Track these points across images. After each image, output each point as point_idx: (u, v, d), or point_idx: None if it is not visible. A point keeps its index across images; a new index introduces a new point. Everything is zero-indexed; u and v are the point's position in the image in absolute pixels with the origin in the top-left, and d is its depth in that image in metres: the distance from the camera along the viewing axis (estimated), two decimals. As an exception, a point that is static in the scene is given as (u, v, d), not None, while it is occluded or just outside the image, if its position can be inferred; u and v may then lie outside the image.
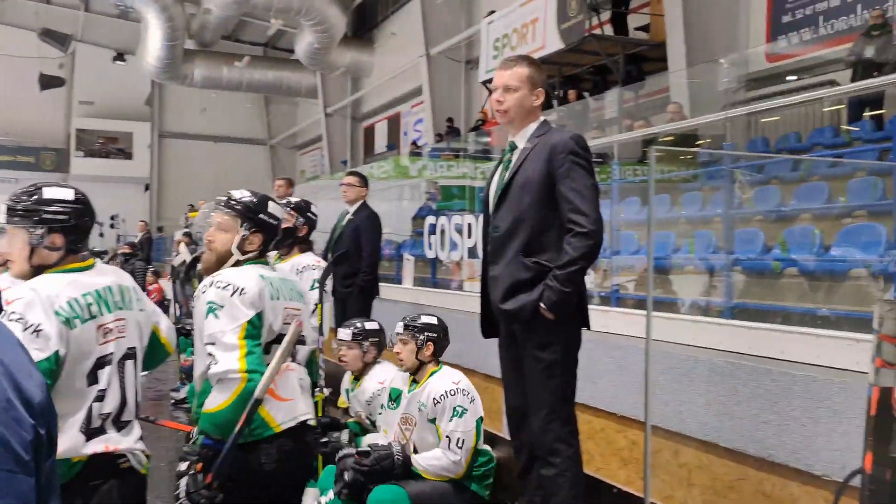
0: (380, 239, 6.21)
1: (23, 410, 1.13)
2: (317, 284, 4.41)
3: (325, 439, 4.36)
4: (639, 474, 4.00)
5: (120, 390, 2.44)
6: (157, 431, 5.76)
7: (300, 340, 2.90)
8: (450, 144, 15.60)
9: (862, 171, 6.21)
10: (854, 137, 7.99)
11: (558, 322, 3.08)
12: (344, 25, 20.92)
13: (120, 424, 2.45)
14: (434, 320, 4.01)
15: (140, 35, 21.87)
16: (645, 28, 12.94)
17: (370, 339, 4.52)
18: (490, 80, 14.48)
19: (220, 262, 2.83)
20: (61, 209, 2.39)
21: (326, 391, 4.64)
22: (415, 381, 3.97)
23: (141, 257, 15.32)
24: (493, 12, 15.36)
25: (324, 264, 4.76)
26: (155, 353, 2.76)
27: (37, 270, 2.38)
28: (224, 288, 2.67)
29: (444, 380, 3.86)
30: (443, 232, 7.07)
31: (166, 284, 13.66)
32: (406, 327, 3.95)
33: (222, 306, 2.66)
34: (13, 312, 2.22)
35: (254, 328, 2.68)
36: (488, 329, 3.41)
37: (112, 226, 26.00)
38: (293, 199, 4.99)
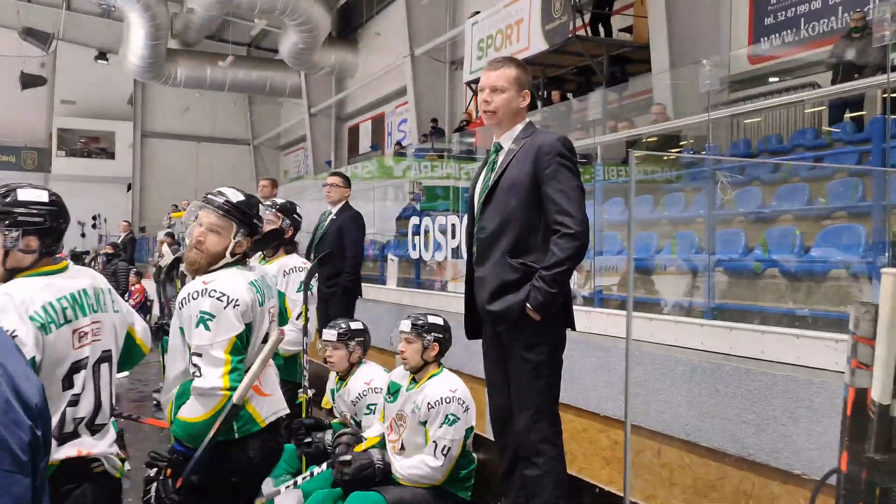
0: (363, 239, 6.21)
1: (21, 412, 1.15)
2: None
3: (308, 440, 4.37)
4: (621, 474, 4.02)
5: (94, 394, 2.42)
6: (140, 432, 5.76)
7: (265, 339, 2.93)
8: (434, 145, 15.60)
9: (842, 173, 6.27)
10: (835, 139, 8.06)
11: (545, 323, 3.10)
12: (328, 25, 20.89)
13: (94, 428, 2.43)
14: (440, 321, 3.99)
15: (122, 34, 21.72)
16: (629, 30, 13.00)
17: (356, 339, 4.53)
18: (474, 81, 14.56)
19: (211, 263, 2.83)
20: (36, 211, 2.34)
21: (310, 392, 4.66)
22: (414, 380, 3.97)
23: (124, 258, 15.23)
24: (477, 13, 15.38)
25: (310, 266, 4.77)
26: (131, 353, 2.74)
27: (10, 273, 2.34)
28: (219, 299, 2.69)
29: (442, 385, 3.84)
30: (427, 232, 7.08)
31: (149, 285, 13.59)
32: (413, 326, 3.90)
33: (214, 317, 2.67)
34: None
35: (241, 343, 2.71)
36: (472, 330, 3.42)
37: (94, 226, 25.90)
38: (278, 201, 4.99)
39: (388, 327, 7.01)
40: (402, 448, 3.91)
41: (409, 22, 19.13)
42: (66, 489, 2.31)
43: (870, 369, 2.16)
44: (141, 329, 2.79)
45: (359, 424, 4.44)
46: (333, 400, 4.69)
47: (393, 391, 4.14)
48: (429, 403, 3.78)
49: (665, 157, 7.89)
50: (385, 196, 13.00)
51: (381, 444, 4.04)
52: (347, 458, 3.84)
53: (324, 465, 4.05)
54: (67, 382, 2.33)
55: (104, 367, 2.47)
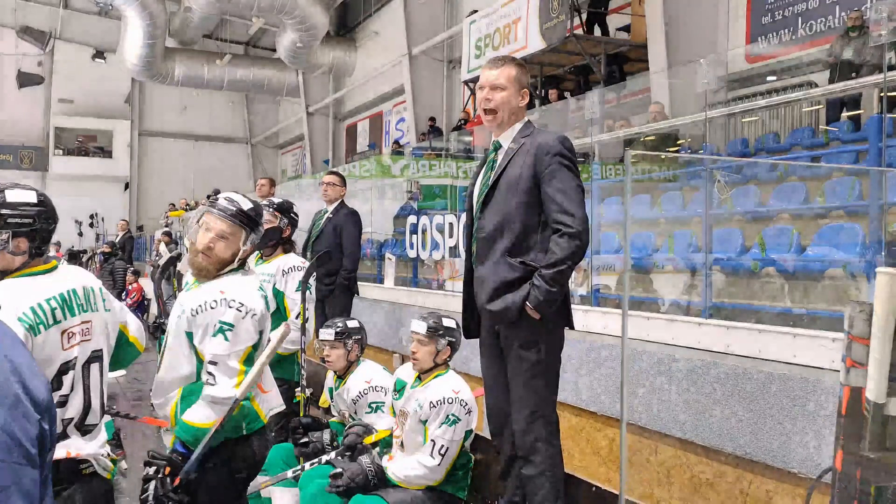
0: (360, 237, 6.22)
1: (30, 406, 1.17)
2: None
3: (305, 439, 4.37)
4: (618, 473, 4.03)
5: (84, 395, 2.41)
6: (138, 431, 5.76)
7: None
8: (432, 144, 15.61)
9: (839, 172, 6.28)
10: (832, 138, 8.07)
11: (543, 322, 3.11)
12: (326, 24, 20.87)
13: (84, 429, 2.42)
14: (454, 324, 3.94)
15: (120, 33, 21.72)
16: (626, 29, 13.00)
17: (353, 338, 4.53)
18: (472, 80, 14.56)
19: (218, 269, 2.85)
20: (25, 212, 2.32)
21: (308, 391, 4.66)
22: (418, 378, 3.97)
23: (121, 257, 15.23)
24: (475, 12, 15.38)
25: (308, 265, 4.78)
26: (124, 352, 2.73)
27: (0, 275, 2.33)
28: (238, 309, 2.72)
29: (446, 385, 3.82)
30: (424, 231, 7.08)
31: (146, 284, 13.61)
32: (429, 329, 3.86)
33: (234, 327, 2.70)
34: None
35: (254, 352, 2.77)
36: (470, 329, 3.43)
37: (91, 225, 25.86)
38: (275, 200, 4.99)
39: (386, 326, 7.04)
40: (402, 445, 3.91)
41: (407, 21, 19.14)
42: (55, 491, 2.29)
43: (864, 368, 2.17)
44: (135, 327, 2.77)
45: (357, 424, 4.44)
46: (331, 399, 4.69)
47: (399, 388, 4.14)
48: (431, 402, 3.77)
49: (662, 157, 7.89)
50: (383, 195, 12.99)
51: (391, 438, 4.05)
52: (338, 470, 3.83)
53: (318, 460, 4.05)
54: (56, 383, 2.32)
55: (94, 367, 2.46)
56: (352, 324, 4.61)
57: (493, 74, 3.24)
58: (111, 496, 2.56)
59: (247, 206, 2.88)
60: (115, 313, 2.62)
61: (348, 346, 4.51)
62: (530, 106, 3.41)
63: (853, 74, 7.97)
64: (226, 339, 2.69)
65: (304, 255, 5.59)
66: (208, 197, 2.97)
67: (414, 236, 7.39)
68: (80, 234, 25.81)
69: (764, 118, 9.49)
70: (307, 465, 4.03)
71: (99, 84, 27.58)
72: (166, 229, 16.74)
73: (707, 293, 5.26)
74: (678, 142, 8.78)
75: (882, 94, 6.25)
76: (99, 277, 3.90)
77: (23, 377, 1.18)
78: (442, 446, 3.73)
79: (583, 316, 4.97)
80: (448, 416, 3.74)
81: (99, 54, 26.84)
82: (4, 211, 2.30)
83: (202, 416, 2.69)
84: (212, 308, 2.72)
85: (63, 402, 2.34)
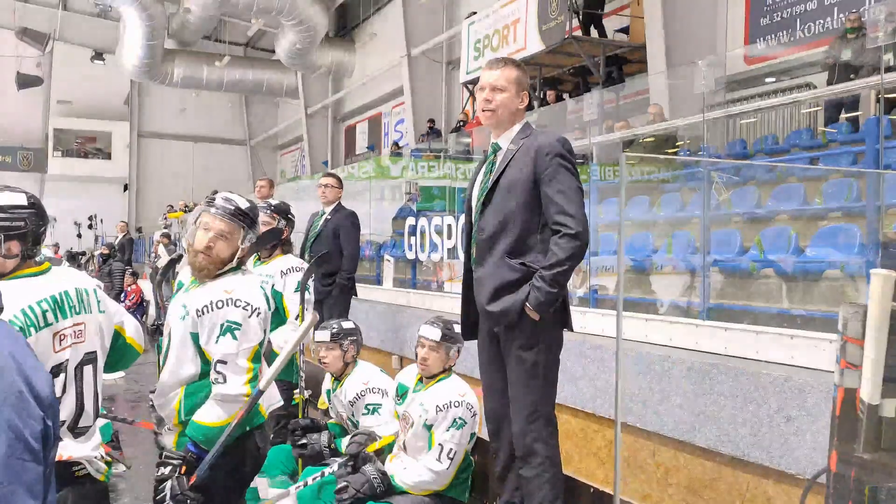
0: (359, 238, 6.24)
1: (34, 403, 1.18)
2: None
3: (303, 441, 4.37)
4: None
5: (76, 397, 2.40)
6: (136, 433, 5.75)
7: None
8: (431, 145, 15.61)
9: (838, 173, 6.28)
10: (830, 139, 8.08)
11: (542, 323, 3.11)
12: (325, 25, 20.89)
13: (77, 432, 2.41)
14: (459, 329, 3.98)
15: (119, 34, 21.72)
16: (625, 30, 13.01)
17: (349, 339, 4.53)
18: (471, 82, 14.55)
19: (218, 269, 2.87)
20: (16, 215, 2.32)
21: (306, 393, 4.66)
22: (421, 381, 3.96)
23: (120, 259, 15.23)
24: (474, 13, 15.38)
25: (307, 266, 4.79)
26: (122, 353, 2.72)
27: None
28: (244, 308, 2.75)
29: (451, 389, 3.82)
30: (423, 233, 7.08)
31: (145, 286, 13.60)
32: (443, 336, 3.85)
33: (241, 326, 2.72)
34: None
35: (261, 350, 2.80)
36: (468, 330, 3.43)
37: (90, 226, 25.82)
38: (272, 202, 5.01)
39: (384, 328, 7.04)
40: (404, 448, 3.90)
41: (406, 22, 19.14)
42: None
43: (859, 369, 2.18)
44: (133, 329, 2.76)
45: (355, 425, 4.43)
46: (329, 401, 4.69)
47: (401, 393, 4.12)
48: (437, 406, 3.75)
49: (659, 160, 7.90)
50: (381, 196, 12.99)
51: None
52: (343, 484, 3.80)
53: (321, 473, 4.02)
54: None
55: (87, 369, 2.45)
56: (347, 325, 4.61)
57: (494, 75, 3.24)
58: (106, 498, 2.56)
59: (244, 205, 2.91)
60: (110, 315, 2.61)
61: (344, 347, 4.50)
62: (529, 107, 3.41)
63: (852, 76, 7.98)
64: (234, 337, 2.71)
65: (301, 257, 5.60)
66: (207, 198, 2.98)
67: (413, 238, 7.38)
68: (79, 236, 25.77)
69: (762, 119, 9.50)
70: (310, 480, 3.98)
71: (98, 85, 27.57)
72: (165, 231, 16.75)
73: (705, 294, 5.26)
74: (677, 143, 8.78)
75: (879, 96, 6.26)
76: (97, 279, 3.90)
77: (26, 374, 1.20)
78: (451, 450, 3.72)
79: (581, 317, 4.96)
80: (455, 419, 3.73)
81: (98, 56, 26.81)
82: None
83: (214, 415, 2.71)
84: (218, 308, 2.74)
85: None
